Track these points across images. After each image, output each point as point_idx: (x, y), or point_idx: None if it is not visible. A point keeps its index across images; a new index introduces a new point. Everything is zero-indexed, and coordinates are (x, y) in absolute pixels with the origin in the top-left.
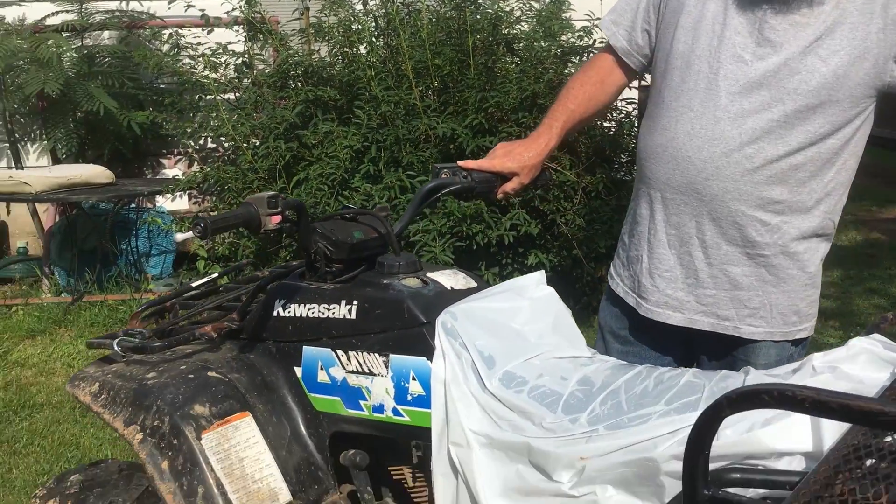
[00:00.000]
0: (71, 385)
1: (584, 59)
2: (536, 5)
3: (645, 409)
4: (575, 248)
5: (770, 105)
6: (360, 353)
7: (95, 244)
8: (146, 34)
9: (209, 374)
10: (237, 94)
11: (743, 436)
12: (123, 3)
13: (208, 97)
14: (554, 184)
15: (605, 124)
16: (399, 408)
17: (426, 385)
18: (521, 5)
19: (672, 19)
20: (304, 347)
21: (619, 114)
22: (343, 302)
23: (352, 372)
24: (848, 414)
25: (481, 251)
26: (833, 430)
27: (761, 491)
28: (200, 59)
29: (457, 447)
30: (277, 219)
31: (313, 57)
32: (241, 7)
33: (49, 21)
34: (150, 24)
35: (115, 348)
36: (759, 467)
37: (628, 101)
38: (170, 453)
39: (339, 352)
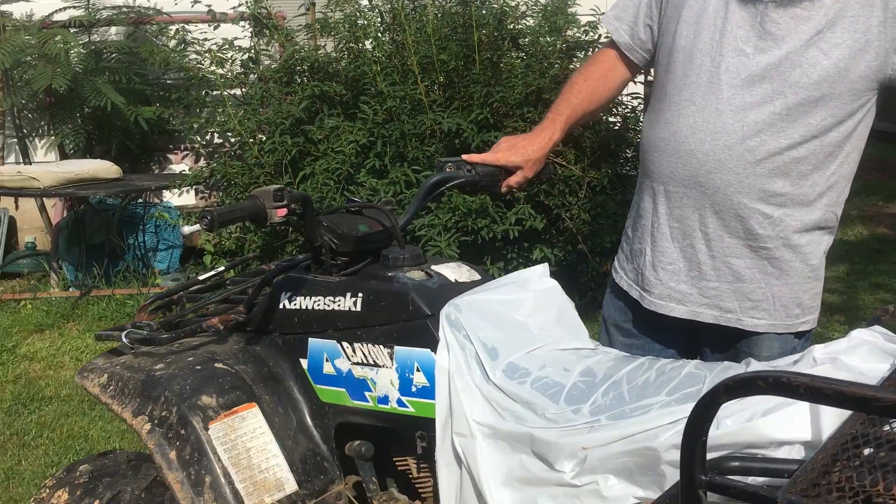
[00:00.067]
0: (80, 377)
1: (590, 54)
2: (542, 0)
3: (646, 400)
4: (580, 243)
5: (772, 98)
6: (365, 345)
7: (103, 239)
8: (153, 30)
9: (216, 365)
10: (243, 90)
11: (743, 425)
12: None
13: (215, 93)
14: (559, 178)
15: (611, 119)
16: (404, 399)
17: (430, 376)
18: (527, 0)
19: (674, 14)
20: (310, 339)
21: (624, 109)
22: (348, 294)
23: (357, 363)
24: (842, 400)
25: (486, 245)
26: (832, 420)
27: (760, 479)
28: (207, 54)
29: (461, 438)
30: (283, 212)
31: (319, 52)
32: (247, 3)
33: (56, 17)
34: (156, 19)
35: (124, 340)
36: (759, 456)
37: (633, 95)
38: (177, 443)
39: (345, 343)
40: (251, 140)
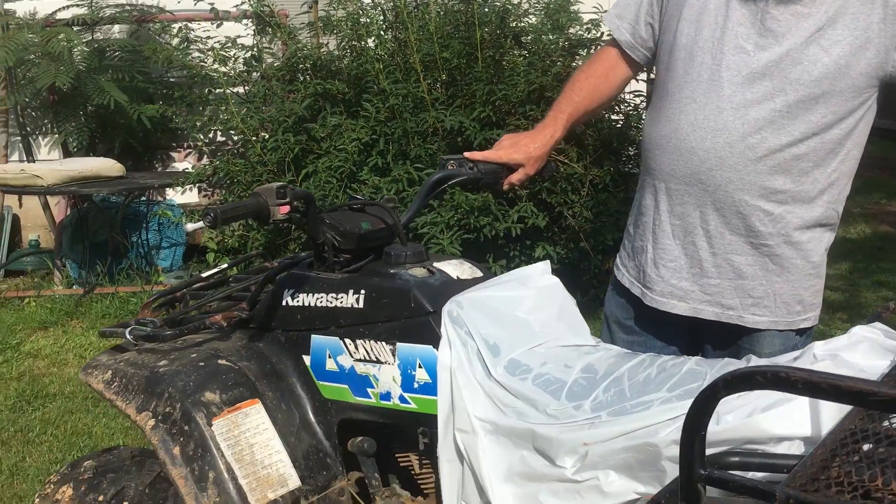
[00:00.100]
0: (84, 373)
1: (592, 51)
2: None
3: (647, 396)
4: (582, 241)
5: (773, 95)
6: (367, 342)
7: (106, 237)
8: (156, 28)
9: (219, 362)
10: (246, 88)
11: (743, 421)
12: None
13: (217, 91)
14: (561, 176)
15: (613, 117)
16: (406, 395)
17: (432, 373)
18: None
19: (675, 12)
20: (313, 336)
21: (626, 106)
22: (351, 291)
23: (359, 360)
24: (839, 394)
25: (489, 243)
26: (831, 416)
27: (759, 474)
28: (210, 52)
29: (462, 434)
30: (286, 209)
31: (322, 50)
32: (250, 1)
33: (60, 15)
34: (159, 18)
35: (128, 337)
36: (758, 451)
37: (636, 93)
38: (181, 439)
39: (347, 340)
40: (254, 138)
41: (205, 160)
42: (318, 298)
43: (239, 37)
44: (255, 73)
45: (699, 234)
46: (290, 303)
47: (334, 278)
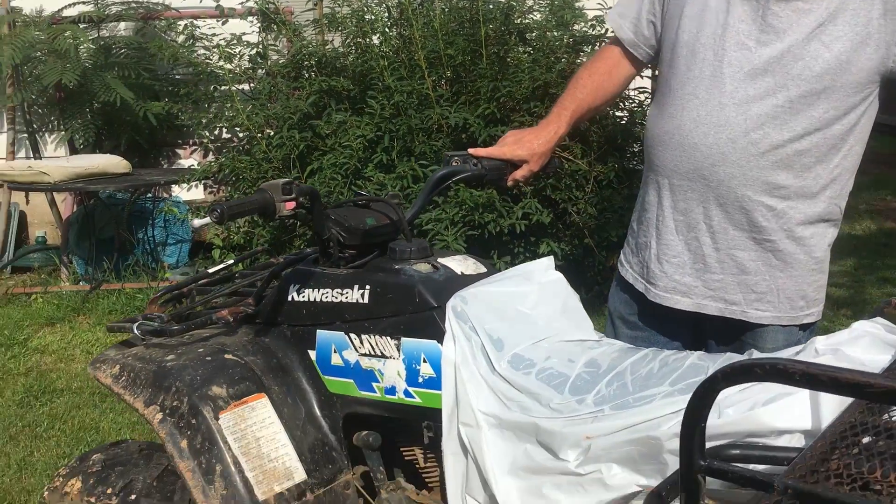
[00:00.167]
0: (92, 367)
1: (597, 48)
2: None
3: (650, 391)
4: (586, 237)
5: (774, 91)
6: (372, 337)
7: (113, 233)
8: (162, 25)
9: (226, 356)
10: (251, 85)
11: (744, 414)
12: None
13: (223, 88)
14: (566, 173)
15: (617, 113)
16: (410, 389)
17: (437, 367)
18: None
19: (676, 10)
20: (318, 331)
21: (630, 103)
22: (356, 287)
23: (364, 355)
24: (837, 386)
25: (493, 240)
26: (832, 409)
27: (760, 466)
28: (215, 49)
29: (467, 427)
30: (292, 205)
31: (327, 47)
32: None
33: (66, 12)
34: (165, 15)
35: (135, 332)
36: (759, 444)
37: (640, 90)
38: (189, 432)
39: (352, 335)
40: (259, 135)
41: (210, 157)
42: (323, 294)
43: (244, 34)
44: (260, 70)
45: (702, 229)
46: (296, 298)
47: (339, 274)
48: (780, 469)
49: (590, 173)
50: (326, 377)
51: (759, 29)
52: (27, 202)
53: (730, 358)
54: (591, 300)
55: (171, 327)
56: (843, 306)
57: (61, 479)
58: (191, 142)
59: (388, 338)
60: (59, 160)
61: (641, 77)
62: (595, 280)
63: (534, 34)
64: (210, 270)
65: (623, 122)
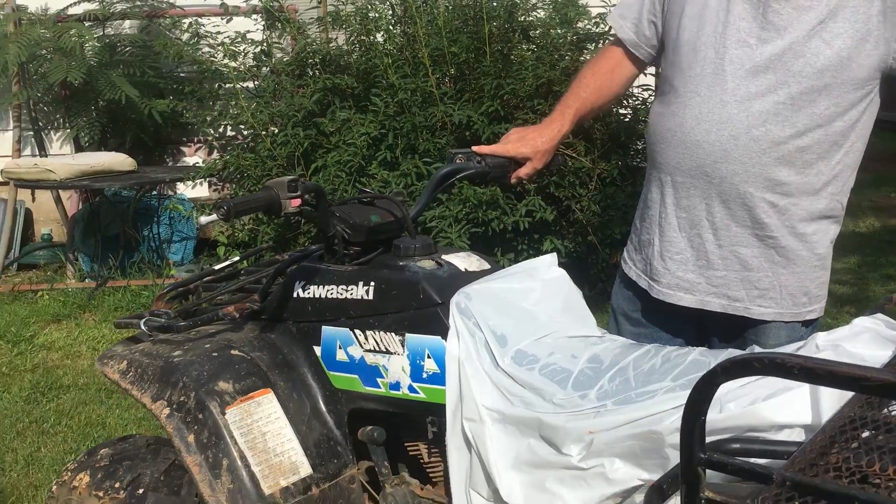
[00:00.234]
0: (100, 363)
1: (600, 45)
2: None
3: (652, 386)
4: (590, 235)
5: (776, 88)
6: (377, 333)
7: (118, 231)
8: (166, 23)
9: (232, 352)
10: (256, 83)
11: (745, 409)
12: None
13: (227, 85)
14: (569, 170)
15: (621, 111)
16: (415, 385)
17: (441, 363)
18: None
19: (677, 9)
20: (323, 327)
21: (634, 100)
22: (360, 283)
23: (369, 351)
24: (834, 379)
25: (497, 237)
26: (832, 404)
27: (760, 460)
28: (220, 47)
29: (470, 422)
30: (297, 202)
31: (331, 45)
32: None
33: (71, 11)
34: (170, 13)
35: (142, 328)
36: (759, 438)
37: (644, 87)
38: (195, 427)
39: (357, 331)
40: (264, 132)
41: (215, 155)
42: (328, 290)
43: (249, 32)
44: (264, 68)
45: (705, 226)
46: (301, 294)
47: (344, 270)
48: (780, 463)
49: (593, 171)
50: (331, 373)
51: (760, 26)
52: (33, 200)
53: (731, 353)
54: (595, 297)
55: (178, 323)
56: (847, 303)
57: (69, 474)
58: (195, 139)
59: (393, 334)
60: (64, 158)
61: (645, 75)
62: (598, 277)
63: (537, 32)
64: (216, 267)
65: (626, 119)
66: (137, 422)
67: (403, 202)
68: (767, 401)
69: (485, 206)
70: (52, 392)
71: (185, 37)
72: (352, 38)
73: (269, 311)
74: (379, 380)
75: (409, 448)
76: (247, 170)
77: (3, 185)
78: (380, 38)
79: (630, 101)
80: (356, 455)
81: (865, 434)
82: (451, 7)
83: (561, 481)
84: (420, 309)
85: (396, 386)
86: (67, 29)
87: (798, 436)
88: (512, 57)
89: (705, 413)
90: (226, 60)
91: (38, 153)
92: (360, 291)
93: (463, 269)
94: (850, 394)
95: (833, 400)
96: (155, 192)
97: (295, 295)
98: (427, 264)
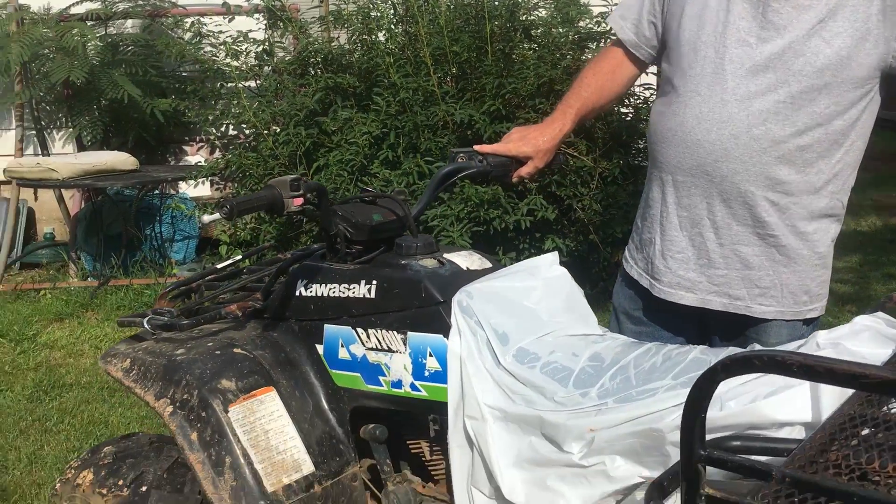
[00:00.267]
0: (103, 361)
1: (602, 44)
2: None
3: (653, 384)
4: (591, 234)
5: (776, 87)
6: (379, 331)
7: (120, 229)
8: (168, 23)
9: (235, 350)
10: (258, 82)
11: (745, 407)
12: None
13: (229, 85)
14: (571, 169)
15: (623, 110)
16: (417, 383)
17: (443, 361)
18: None
19: (677, 10)
20: (326, 325)
21: (636, 99)
22: (363, 282)
23: (371, 349)
24: (833, 376)
25: (498, 236)
26: (832, 402)
27: (761, 458)
28: (222, 47)
29: (472, 420)
30: (300, 201)
31: (333, 44)
32: None
33: (74, 10)
34: (172, 12)
35: (146, 326)
36: (760, 436)
37: (646, 86)
38: (198, 425)
39: (359, 330)
40: (266, 132)
41: (217, 154)
42: (330, 289)
43: (250, 31)
44: (266, 68)
45: (706, 225)
46: (304, 293)
47: (346, 269)
48: (780, 460)
49: (595, 170)
50: (334, 371)
51: (760, 26)
52: (35, 199)
53: (732, 352)
54: (596, 296)
55: (181, 322)
56: (848, 302)
57: (73, 472)
58: (198, 138)
59: (395, 332)
60: (67, 157)
61: (647, 74)
62: (600, 276)
63: (539, 31)
64: (218, 266)
65: (628, 118)
66: (140, 420)
67: (405, 201)
68: (768, 398)
69: (486, 205)
70: (54, 390)
71: (188, 36)
72: (353, 38)
73: (272, 309)
74: (381, 378)
75: (410, 446)
76: (249, 169)
77: (6, 185)
78: (381, 37)
79: (631, 99)
80: (358, 453)
81: (865, 432)
82: (452, 6)
83: (562, 479)
84: (422, 307)
85: (398, 384)
86: (70, 28)
87: (798, 433)
88: (513, 56)
89: (705, 410)
90: (228, 60)
91: (40, 152)
92: (362, 290)
93: (465, 268)
94: (850, 392)
95: (833, 398)
96: (157, 192)
97: (297, 293)
98: (429, 263)
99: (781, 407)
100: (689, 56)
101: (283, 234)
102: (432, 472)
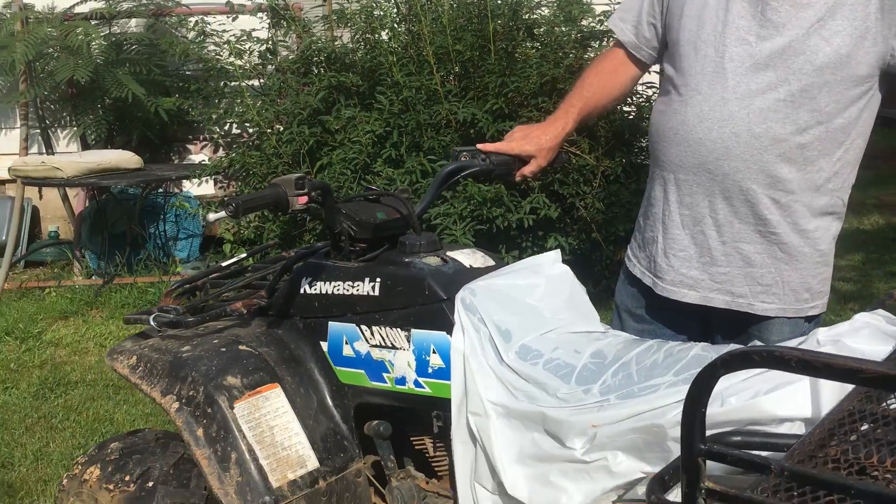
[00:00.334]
0: (109, 358)
1: (605, 43)
2: None
3: (654, 380)
4: (594, 232)
5: (776, 85)
6: (383, 328)
7: (125, 228)
8: (172, 21)
9: (240, 347)
10: (261, 81)
11: (746, 403)
12: None
13: (233, 83)
14: (573, 168)
15: (625, 108)
16: (420, 380)
17: (446, 358)
18: None
19: (676, 10)
20: (330, 323)
21: (638, 98)
22: (367, 279)
23: (375, 346)
24: (831, 371)
25: (501, 234)
26: (832, 398)
27: (761, 453)
28: (225, 45)
29: (475, 417)
30: (304, 199)
31: (336, 43)
32: None
33: (78, 9)
34: (176, 11)
35: (152, 323)
36: (760, 431)
37: (648, 85)
38: (204, 421)
39: (363, 327)
40: (269, 130)
41: (221, 152)
42: (334, 286)
43: (254, 30)
44: (270, 66)
45: (708, 223)
46: (308, 291)
47: (351, 267)
48: (780, 455)
49: (597, 168)
50: (338, 368)
51: (759, 24)
52: (40, 197)
53: (733, 348)
54: (599, 294)
55: (187, 319)
56: (851, 300)
57: (80, 467)
58: (201, 137)
59: (399, 329)
60: (71, 156)
61: (650, 73)
62: (602, 274)
63: (542, 30)
64: (223, 264)
65: (630, 116)
66: (145, 417)
67: (409, 199)
68: (768, 395)
69: (489, 204)
70: (59, 388)
71: (191, 35)
72: (357, 36)
73: (277, 307)
74: (385, 375)
75: (414, 442)
76: (252, 167)
77: (11, 183)
78: (385, 36)
79: (634, 98)
80: (362, 449)
81: (864, 427)
82: (455, 5)
83: (564, 474)
84: (425, 305)
85: (402, 381)
86: (74, 27)
87: (798, 429)
88: (516, 55)
89: (705, 404)
90: (231, 58)
91: (45, 151)
92: (366, 287)
93: (468, 266)
94: (850, 388)
95: (833, 394)
96: (161, 190)
97: (302, 291)
98: (432, 261)
99: (781, 403)
100: (690, 55)
101: (286, 232)
102: (436, 468)
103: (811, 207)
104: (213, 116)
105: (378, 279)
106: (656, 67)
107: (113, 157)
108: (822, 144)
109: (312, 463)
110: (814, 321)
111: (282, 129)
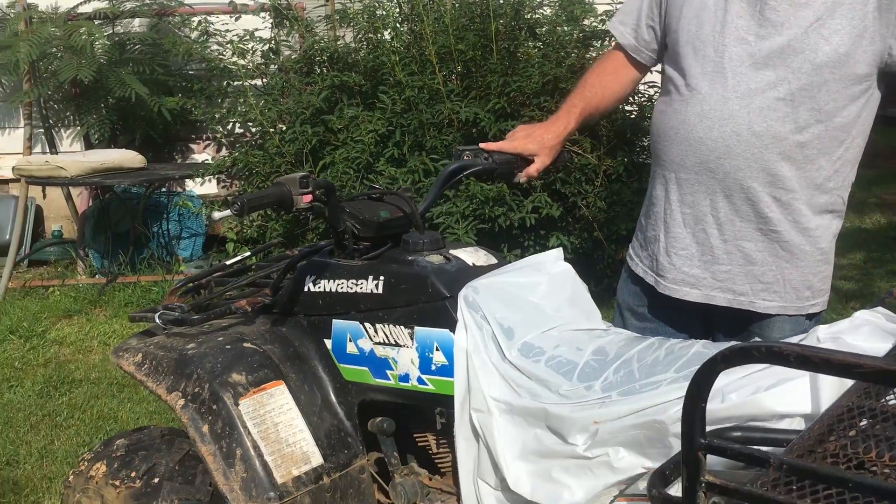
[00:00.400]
0: (115, 355)
1: (606, 43)
2: None
3: (656, 377)
4: (596, 231)
5: (776, 84)
6: (386, 326)
7: (128, 227)
8: (175, 21)
9: (245, 345)
10: (264, 80)
11: (746, 398)
12: None
13: (236, 83)
14: (575, 167)
15: (627, 108)
16: (424, 377)
17: (449, 355)
18: None
19: (675, 11)
20: (334, 320)
21: (640, 97)
22: (370, 277)
23: (379, 343)
24: (829, 366)
25: (503, 233)
26: (831, 394)
27: (761, 448)
28: (228, 45)
29: (478, 413)
30: (308, 198)
31: (338, 43)
32: None
33: (81, 9)
34: (179, 11)
35: (157, 321)
36: (760, 427)
37: (650, 84)
38: (210, 418)
39: (367, 324)
40: (272, 130)
41: (224, 152)
42: (338, 284)
43: (257, 30)
44: (272, 66)
45: (709, 221)
46: (312, 289)
47: (354, 265)
48: (779, 450)
49: (599, 167)
50: (342, 365)
51: (758, 24)
52: (44, 196)
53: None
54: (601, 293)
55: (192, 317)
56: (852, 299)
57: (86, 464)
58: (204, 137)
59: (402, 327)
60: (75, 155)
61: (651, 72)
62: (604, 273)
63: (544, 29)
64: (227, 263)
65: (632, 116)
66: (149, 415)
67: (412, 198)
68: (768, 391)
69: (491, 203)
70: (64, 386)
71: (195, 35)
72: (359, 36)
73: (281, 304)
74: (388, 372)
75: (417, 439)
76: (255, 167)
77: (15, 182)
78: (387, 35)
79: (636, 97)
80: (366, 446)
81: (863, 423)
82: (457, 5)
83: (567, 470)
84: (429, 302)
85: (405, 378)
86: (77, 27)
87: (798, 425)
88: (518, 54)
89: (706, 399)
90: (234, 58)
91: (48, 150)
92: (369, 285)
93: (471, 264)
94: (849, 384)
95: (832, 390)
96: (164, 189)
97: (306, 289)
98: (435, 259)
99: (781, 399)
100: (689, 55)
101: (289, 231)
102: (439, 465)
103: (812, 205)
104: (216, 116)
105: (381, 277)
106: (658, 67)
107: (116, 157)
108: (822, 143)
109: (316, 459)
110: (815, 319)
111: (284, 128)
